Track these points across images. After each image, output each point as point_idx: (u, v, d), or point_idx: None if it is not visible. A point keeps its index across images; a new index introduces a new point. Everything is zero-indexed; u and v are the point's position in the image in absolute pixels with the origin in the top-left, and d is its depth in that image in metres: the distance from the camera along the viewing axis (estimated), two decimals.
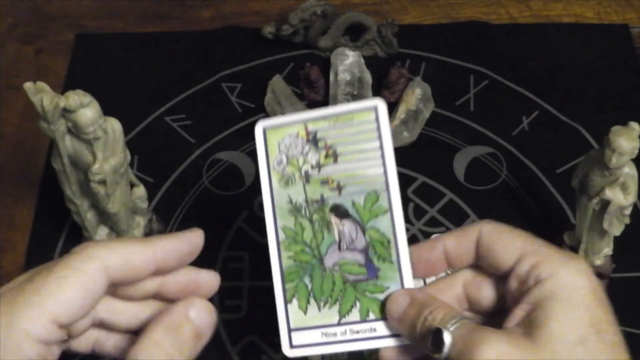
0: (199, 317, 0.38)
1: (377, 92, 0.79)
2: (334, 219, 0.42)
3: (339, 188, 0.42)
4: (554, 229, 0.68)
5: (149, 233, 0.68)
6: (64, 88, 0.79)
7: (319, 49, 0.83)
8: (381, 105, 0.42)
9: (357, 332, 0.41)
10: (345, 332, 0.41)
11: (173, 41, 0.85)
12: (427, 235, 0.69)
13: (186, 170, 0.75)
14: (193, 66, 0.83)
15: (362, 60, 0.80)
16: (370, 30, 0.81)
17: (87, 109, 0.55)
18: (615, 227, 0.59)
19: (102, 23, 0.87)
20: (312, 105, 0.78)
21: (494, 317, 0.40)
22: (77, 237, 0.68)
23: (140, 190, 0.65)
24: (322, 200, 0.42)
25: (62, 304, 0.34)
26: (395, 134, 0.74)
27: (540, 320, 0.35)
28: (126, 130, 0.59)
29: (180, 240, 0.39)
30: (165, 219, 0.70)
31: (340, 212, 0.42)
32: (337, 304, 0.42)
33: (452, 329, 0.36)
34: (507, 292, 0.38)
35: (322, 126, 0.43)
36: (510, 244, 0.38)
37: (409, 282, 0.41)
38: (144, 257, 0.37)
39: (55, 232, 0.71)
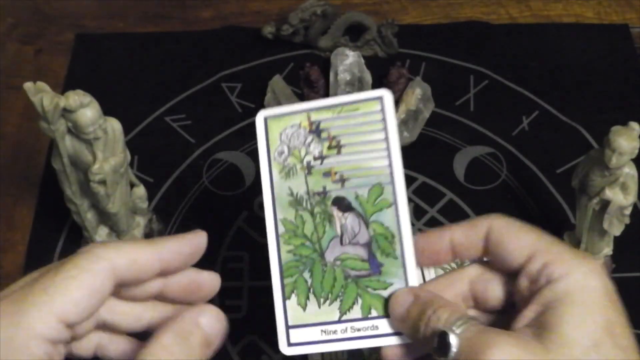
0: (209, 325, 0.37)
1: None
2: (336, 212, 0.41)
3: (342, 180, 0.41)
4: (554, 229, 0.68)
5: (149, 233, 0.68)
6: (64, 88, 0.79)
7: (319, 49, 0.83)
8: (387, 95, 0.41)
9: (359, 329, 0.40)
10: (345, 330, 0.40)
11: (173, 41, 0.85)
12: None
13: (186, 170, 0.75)
14: (193, 66, 0.83)
15: (362, 60, 0.80)
16: (370, 30, 0.81)
17: (87, 109, 0.55)
18: (615, 227, 0.59)
19: (102, 23, 0.87)
20: None
21: (500, 315, 0.39)
22: (77, 237, 0.68)
23: (140, 190, 0.65)
24: (324, 193, 0.41)
25: (69, 303, 0.34)
26: None
27: (552, 323, 0.34)
28: (126, 130, 0.59)
29: (184, 242, 0.39)
30: (165, 219, 0.70)
31: (342, 205, 0.41)
32: (338, 300, 0.40)
33: (458, 331, 0.35)
34: (516, 290, 0.37)
35: (326, 116, 0.42)
36: (521, 241, 0.37)
37: (414, 278, 0.39)
38: (149, 258, 0.37)
39: (55, 232, 0.71)
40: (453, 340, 0.35)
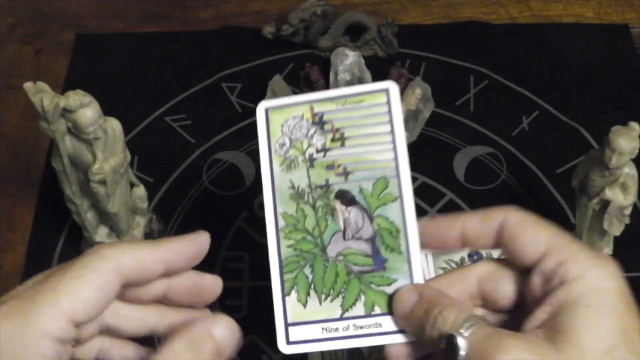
0: (222, 335, 0.37)
1: None
2: (339, 206, 0.40)
3: (346, 173, 0.40)
4: None
5: (149, 233, 0.68)
6: (64, 88, 0.79)
7: (319, 49, 0.83)
8: (393, 87, 0.40)
9: (361, 327, 0.38)
10: (347, 328, 0.39)
11: (173, 41, 0.85)
12: None
13: (186, 170, 0.75)
14: (193, 66, 0.83)
15: (362, 60, 0.80)
16: (370, 30, 0.81)
17: (87, 109, 0.55)
18: (615, 227, 0.59)
19: (102, 23, 0.87)
20: None
21: (509, 314, 0.38)
22: (77, 237, 0.68)
23: (140, 190, 0.65)
24: (327, 186, 0.40)
25: (78, 302, 0.35)
26: None
27: (566, 326, 0.33)
28: (126, 130, 0.59)
29: (187, 242, 0.39)
30: (165, 219, 0.70)
31: (346, 198, 0.40)
32: (340, 296, 0.39)
33: (466, 333, 0.34)
34: (528, 289, 0.36)
35: (330, 108, 0.41)
36: (536, 236, 0.36)
37: (419, 274, 0.38)
38: (154, 258, 0.38)
39: (55, 232, 0.71)
40: (461, 343, 0.34)
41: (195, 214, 0.71)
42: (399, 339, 0.38)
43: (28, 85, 0.54)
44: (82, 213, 0.63)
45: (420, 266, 0.39)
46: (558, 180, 0.72)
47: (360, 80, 0.78)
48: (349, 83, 0.78)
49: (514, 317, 0.37)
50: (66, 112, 0.55)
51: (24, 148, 0.77)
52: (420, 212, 0.70)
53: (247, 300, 0.66)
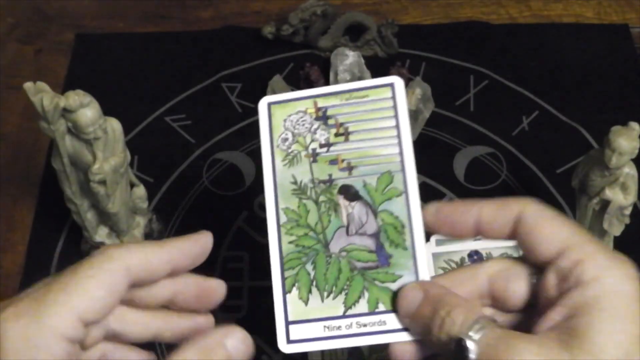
0: (234, 347, 0.36)
1: None
2: (342, 201, 0.39)
3: (350, 168, 0.39)
4: None
5: (149, 233, 0.68)
6: (64, 88, 0.79)
7: (319, 49, 0.83)
8: (398, 82, 0.40)
9: (365, 325, 0.37)
10: (350, 326, 0.37)
11: (173, 41, 0.85)
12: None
13: (186, 170, 0.75)
14: (193, 66, 0.83)
15: (362, 60, 0.80)
16: (370, 30, 0.81)
17: (87, 109, 0.55)
18: (615, 227, 0.59)
19: (102, 23, 0.87)
20: None
21: (519, 315, 0.37)
22: (77, 237, 0.68)
23: (140, 190, 0.65)
24: (330, 181, 0.39)
25: (87, 301, 0.35)
26: None
27: (581, 330, 0.32)
28: (126, 130, 0.59)
29: (192, 242, 0.39)
30: (165, 219, 0.70)
31: (349, 193, 0.39)
32: (343, 293, 0.38)
33: (476, 337, 0.33)
34: (542, 288, 0.35)
35: (333, 103, 0.40)
36: (554, 232, 0.35)
37: (424, 271, 0.37)
38: (160, 258, 0.38)
39: (55, 232, 0.71)
40: (472, 346, 0.33)
41: (195, 214, 0.71)
42: (404, 337, 0.37)
43: (28, 85, 0.54)
44: (82, 213, 0.63)
45: (427, 262, 0.38)
46: (558, 180, 0.72)
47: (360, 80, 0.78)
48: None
49: (525, 318, 0.36)
50: (66, 112, 0.55)
51: (24, 148, 0.77)
52: None
53: (247, 300, 0.66)
